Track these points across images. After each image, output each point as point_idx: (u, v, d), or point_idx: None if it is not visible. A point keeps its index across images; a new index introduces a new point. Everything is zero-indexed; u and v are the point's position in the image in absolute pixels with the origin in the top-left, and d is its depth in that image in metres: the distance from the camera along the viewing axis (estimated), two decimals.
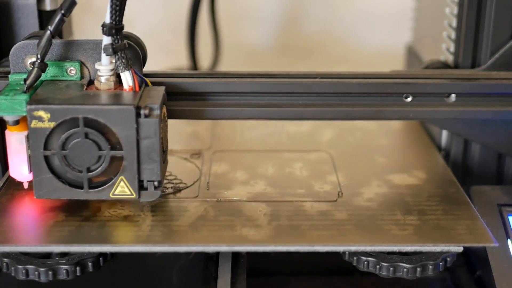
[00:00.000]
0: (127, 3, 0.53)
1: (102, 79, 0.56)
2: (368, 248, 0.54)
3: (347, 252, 0.56)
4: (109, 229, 0.55)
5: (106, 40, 0.54)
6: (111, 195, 0.55)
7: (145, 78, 0.58)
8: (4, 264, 0.54)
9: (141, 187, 0.55)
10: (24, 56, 0.57)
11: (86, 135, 0.53)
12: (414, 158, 0.69)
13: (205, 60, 1.00)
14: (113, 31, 0.53)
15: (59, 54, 0.57)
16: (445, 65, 0.68)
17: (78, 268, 0.54)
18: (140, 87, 0.56)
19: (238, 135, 0.74)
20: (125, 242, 0.53)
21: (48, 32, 0.55)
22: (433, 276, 0.55)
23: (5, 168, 0.65)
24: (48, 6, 0.65)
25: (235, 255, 0.58)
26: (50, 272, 0.54)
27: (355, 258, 0.55)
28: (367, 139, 0.73)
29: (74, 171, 0.54)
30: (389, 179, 0.64)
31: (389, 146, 0.72)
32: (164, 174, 0.58)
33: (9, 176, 0.61)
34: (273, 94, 0.61)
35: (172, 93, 0.59)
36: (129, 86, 0.55)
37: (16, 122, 0.55)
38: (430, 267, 0.54)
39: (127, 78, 0.55)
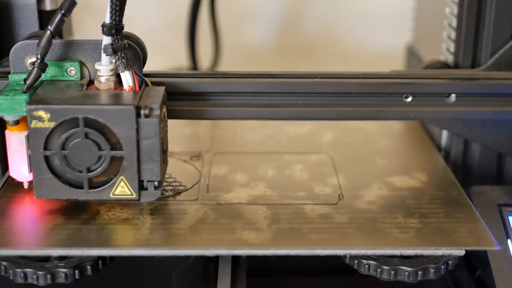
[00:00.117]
0: (127, 3, 0.53)
1: (102, 79, 0.56)
2: (369, 252, 0.54)
3: (348, 256, 0.55)
4: (108, 232, 0.55)
5: (106, 40, 0.54)
6: (111, 195, 0.55)
7: (145, 78, 0.57)
8: (2, 267, 0.54)
9: (141, 187, 0.55)
10: (24, 56, 0.57)
11: (86, 135, 0.53)
12: (415, 160, 0.69)
13: (205, 60, 1.00)
14: (113, 31, 0.53)
15: (59, 54, 0.57)
16: (445, 65, 0.68)
17: (77, 272, 0.54)
18: (140, 87, 0.56)
19: (238, 137, 0.74)
20: (124, 246, 0.53)
21: (48, 32, 0.54)
22: (434, 278, 0.55)
23: (5, 169, 0.65)
24: (48, 6, 0.65)
25: (235, 256, 0.58)
26: (48, 276, 0.53)
27: (356, 261, 0.55)
28: (368, 140, 0.73)
29: (74, 171, 0.54)
30: (390, 182, 0.64)
31: (390, 148, 0.72)
32: (164, 174, 0.58)
33: (7, 178, 0.61)
34: (273, 94, 0.61)
35: (172, 93, 0.59)
36: (129, 86, 0.55)
37: (16, 122, 0.55)
38: (432, 270, 0.54)
39: (127, 78, 0.55)
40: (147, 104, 0.53)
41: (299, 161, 0.68)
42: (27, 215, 0.57)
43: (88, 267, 0.54)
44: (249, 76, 0.61)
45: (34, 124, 0.53)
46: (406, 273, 0.54)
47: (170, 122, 0.59)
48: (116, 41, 0.54)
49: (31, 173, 0.55)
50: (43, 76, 0.57)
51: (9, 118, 0.55)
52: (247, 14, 1.06)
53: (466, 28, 0.65)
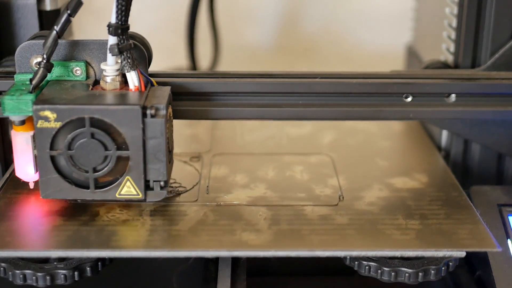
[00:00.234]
0: None
1: (108, 79, 0.56)
2: (370, 253, 0.54)
3: (348, 257, 0.55)
4: (108, 233, 0.54)
5: (112, 40, 0.54)
6: (117, 195, 0.55)
7: (151, 78, 0.57)
8: (2, 269, 0.54)
9: (147, 187, 0.55)
10: (30, 56, 0.57)
11: (92, 135, 0.53)
12: (415, 161, 0.69)
13: (204, 60, 1.00)
14: (119, 31, 0.53)
15: (64, 54, 0.57)
16: (445, 65, 0.68)
17: (76, 273, 0.54)
18: (145, 87, 0.56)
19: (238, 138, 0.74)
20: (124, 247, 0.53)
21: (54, 32, 0.55)
22: (435, 279, 0.55)
23: (4, 169, 0.65)
24: (48, 6, 0.65)
25: (235, 257, 0.58)
26: (48, 277, 0.53)
27: (356, 262, 0.55)
28: (368, 141, 0.73)
29: (80, 171, 0.54)
30: (390, 183, 0.63)
31: (390, 149, 0.72)
32: (170, 174, 0.58)
33: (7, 180, 0.61)
34: (273, 94, 0.61)
35: (173, 93, 0.59)
36: (135, 86, 0.55)
37: (22, 122, 0.55)
38: (432, 272, 0.54)
39: (133, 78, 0.55)
40: (153, 104, 0.53)
41: (299, 162, 0.68)
42: (27, 216, 0.57)
43: (88, 268, 0.54)
44: (249, 76, 0.61)
45: (40, 124, 0.53)
46: (407, 274, 0.54)
47: None
48: (122, 41, 0.54)
49: (37, 173, 0.55)
50: (49, 76, 0.57)
51: (15, 118, 0.55)
52: (247, 14, 1.06)
53: (466, 28, 0.65)
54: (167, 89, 0.57)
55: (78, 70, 0.57)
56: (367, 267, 0.55)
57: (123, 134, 0.53)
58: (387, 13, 1.04)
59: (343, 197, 0.61)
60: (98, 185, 0.55)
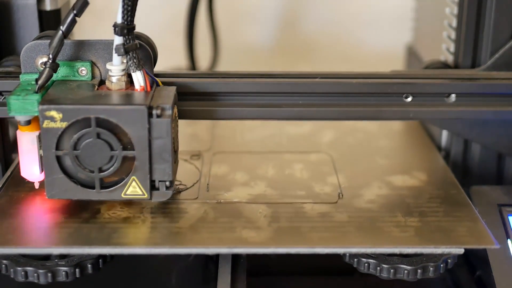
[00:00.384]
0: None
1: (114, 79, 0.56)
2: (369, 250, 0.54)
3: (347, 254, 0.55)
4: (109, 231, 0.55)
5: (118, 40, 0.54)
6: (122, 195, 0.55)
7: (156, 78, 0.58)
8: (3, 266, 0.54)
9: (152, 187, 0.55)
10: (35, 56, 0.57)
11: (98, 135, 0.53)
12: (415, 160, 0.69)
13: (203, 60, 1.00)
14: (125, 31, 0.53)
15: (70, 54, 0.57)
16: (445, 65, 0.68)
17: (77, 270, 0.54)
18: (151, 87, 0.56)
19: (238, 136, 0.74)
20: (125, 244, 0.53)
21: (60, 32, 0.54)
22: (433, 276, 0.55)
23: (5, 168, 0.65)
24: (48, 6, 0.65)
25: (235, 255, 0.58)
26: (49, 274, 0.53)
27: (355, 260, 0.55)
28: (368, 140, 0.73)
29: (86, 171, 0.54)
30: (389, 181, 0.64)
31: (390, 147, 0.72)
32: (176, 174, 0.58)
33: (8, 177, 0.61)
34: (273, 94, 0.61)
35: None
36: (141, 86, 0.55)
37: (28, 122, 0.55)
38: (431, 269, 0.54)
39: (138, 78, 0.55)
40: (159, 104, 0.53)
41: (299, 160, 0.68)
42: (28, 213, 0.57)
43: (89, 265, 0.54)
44: (249, 76, 0.61)
45: (46, 124, 0.53)
46: (406, 271, 0.54)
47: None
48: (127, 41, 0.54)
49: (43, 173, 0.55)
50: (54, 76, 0.56)
51: (20, 118, 0.55)
52: (246, 14, 1.06)
53: (466, 28, 0.66)
54: (173, 89, 0.57)
55: (83, 70, 0.57)
56: (366, 264, 0.55)
57: (129, 134, 0.53)
58: (387, 13, 1.04)
59: (342, 195, 0.61)
60: (104, 185, 0.55)
